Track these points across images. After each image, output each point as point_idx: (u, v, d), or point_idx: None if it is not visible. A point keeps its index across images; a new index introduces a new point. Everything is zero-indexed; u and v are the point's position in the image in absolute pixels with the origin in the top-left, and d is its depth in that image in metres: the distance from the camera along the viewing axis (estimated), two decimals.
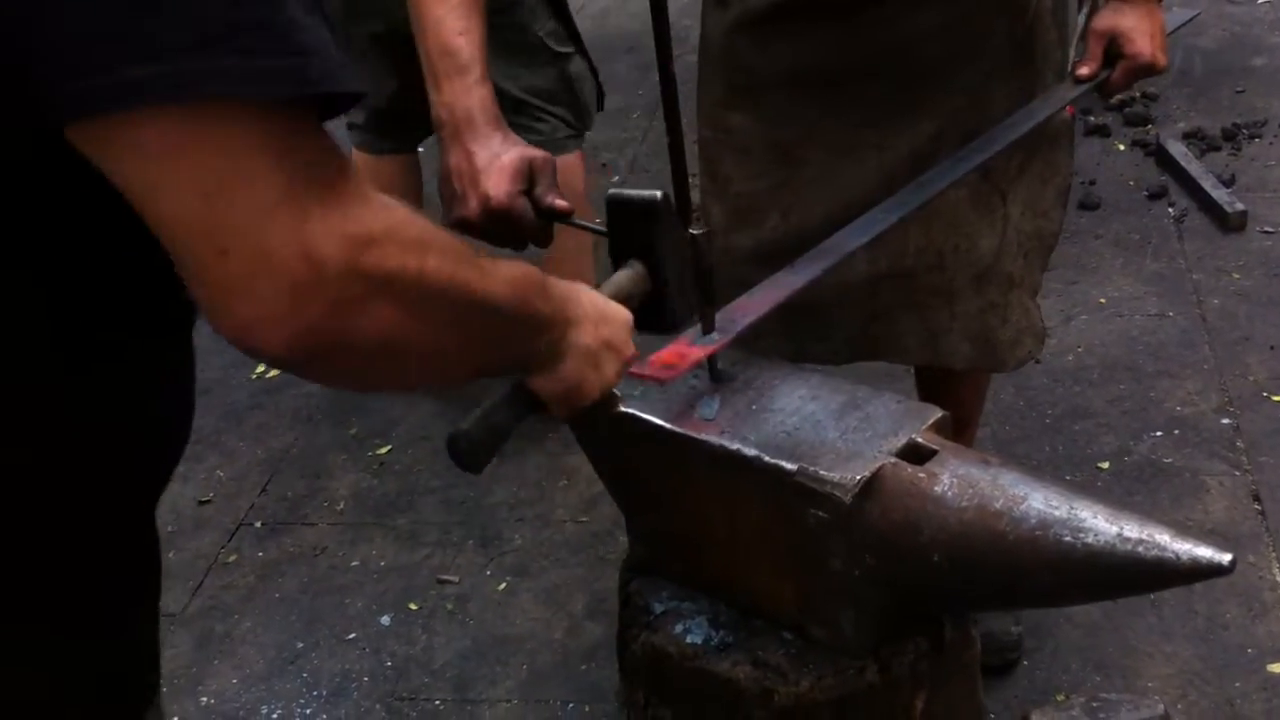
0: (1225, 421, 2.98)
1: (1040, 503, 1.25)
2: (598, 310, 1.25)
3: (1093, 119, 4.29)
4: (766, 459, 1.35)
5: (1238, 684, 2.35)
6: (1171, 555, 1.18)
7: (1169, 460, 2.89)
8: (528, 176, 1.53)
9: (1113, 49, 2.04)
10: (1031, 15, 1.99)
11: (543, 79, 3.06)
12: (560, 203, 1.52)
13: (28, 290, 0.90)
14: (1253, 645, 2.42)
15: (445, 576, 2.86)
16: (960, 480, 1.29)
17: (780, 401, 1.43)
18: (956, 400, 2.25)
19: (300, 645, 2.71)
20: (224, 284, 0.82)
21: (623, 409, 1.44)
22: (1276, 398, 3.03)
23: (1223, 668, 2.38)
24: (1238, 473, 2.82)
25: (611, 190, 1.40)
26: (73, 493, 1.00)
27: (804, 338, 2.00)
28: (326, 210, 0.83)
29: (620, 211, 1.40)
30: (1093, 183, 3.96)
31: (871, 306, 2.00)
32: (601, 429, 1.50)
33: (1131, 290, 3.46)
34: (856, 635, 1.36)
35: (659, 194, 1.37)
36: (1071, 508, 1.23)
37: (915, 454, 1.34)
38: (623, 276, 1.38)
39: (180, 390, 1.10)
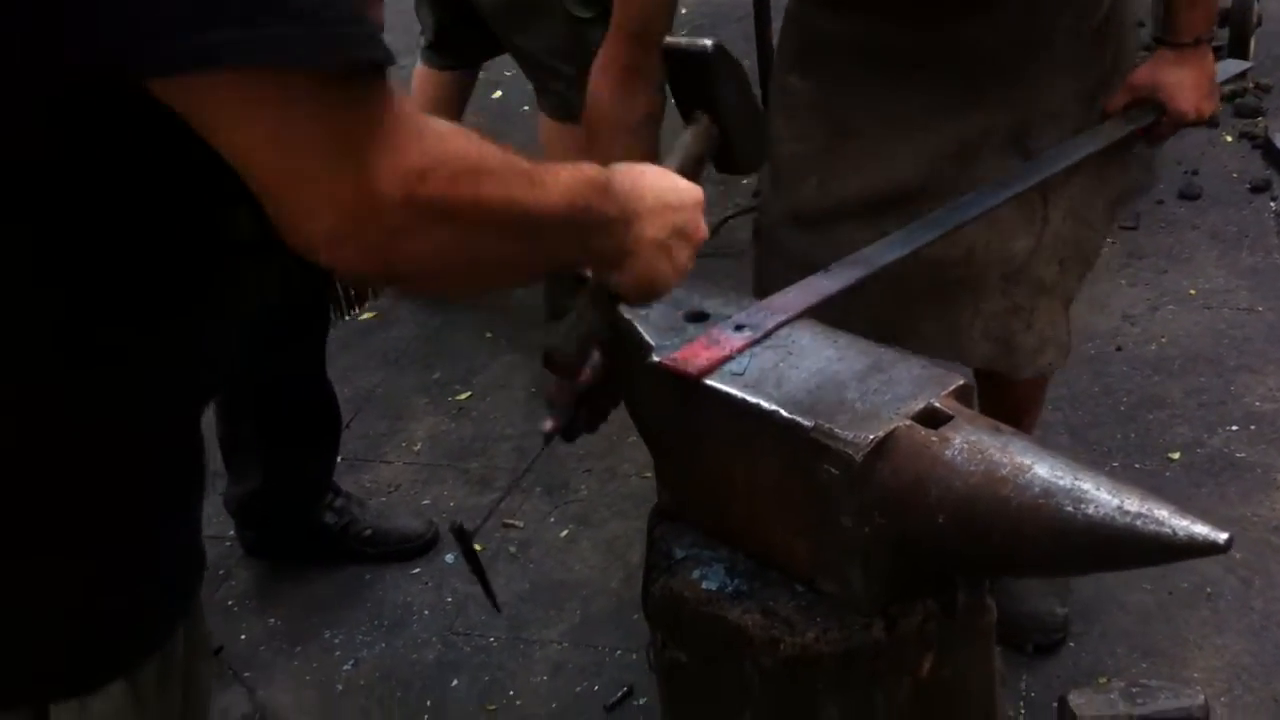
0: None
1: (1045, 471, 1.27)
2: (663, 198, 1.27)
3: None
4: (785, 414, 1.38)
5: None
6: (1169, 530, 1.20)
7: (1241, 455, 2.86)
8: None
9: (1155, 101, 1.99)
10: (1102, 16, 1.97)
11: (559, 39, 3.09)
12: None
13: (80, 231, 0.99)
14: None
15: (510, 521, 2.94)
16: (970, 445, 1.31)
17: (808, 361, 1.46)
18: (1009, 397, 2.23)
19: (368, 576, 2.81)
20: (296, 214, 0.93)
21: (654, 358, 1.49)
22: None
23: (1274, 665, 2.36)
24: None
25: (667, 40, 1.42)
26: (115, 404, 1.06)
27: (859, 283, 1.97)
28: (380, 151, 0.92)
29: (677, 64, 1.42)
30: (1195, 173, 3.90)
31: (897, 290, 1.95)
32: (636, 378, 1.55)
33: (1224, 283, 3.40)
34: (866, 592, 1.40)
35: (710, 43, 1.38)
36: (1075, 478, 1.25)
37: (931, 418, 1.36)
38: (689, 136, 1.41)
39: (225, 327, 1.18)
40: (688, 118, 1.44)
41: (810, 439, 1.35)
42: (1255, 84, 4.26)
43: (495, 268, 1.11)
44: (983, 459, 1.29)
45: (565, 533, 2.89)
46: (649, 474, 3.06)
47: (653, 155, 1.91)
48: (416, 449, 3.22)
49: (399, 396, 3.40)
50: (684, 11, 5.42)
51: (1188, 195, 3.78)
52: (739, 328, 1.51)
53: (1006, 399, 2.26)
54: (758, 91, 1.84)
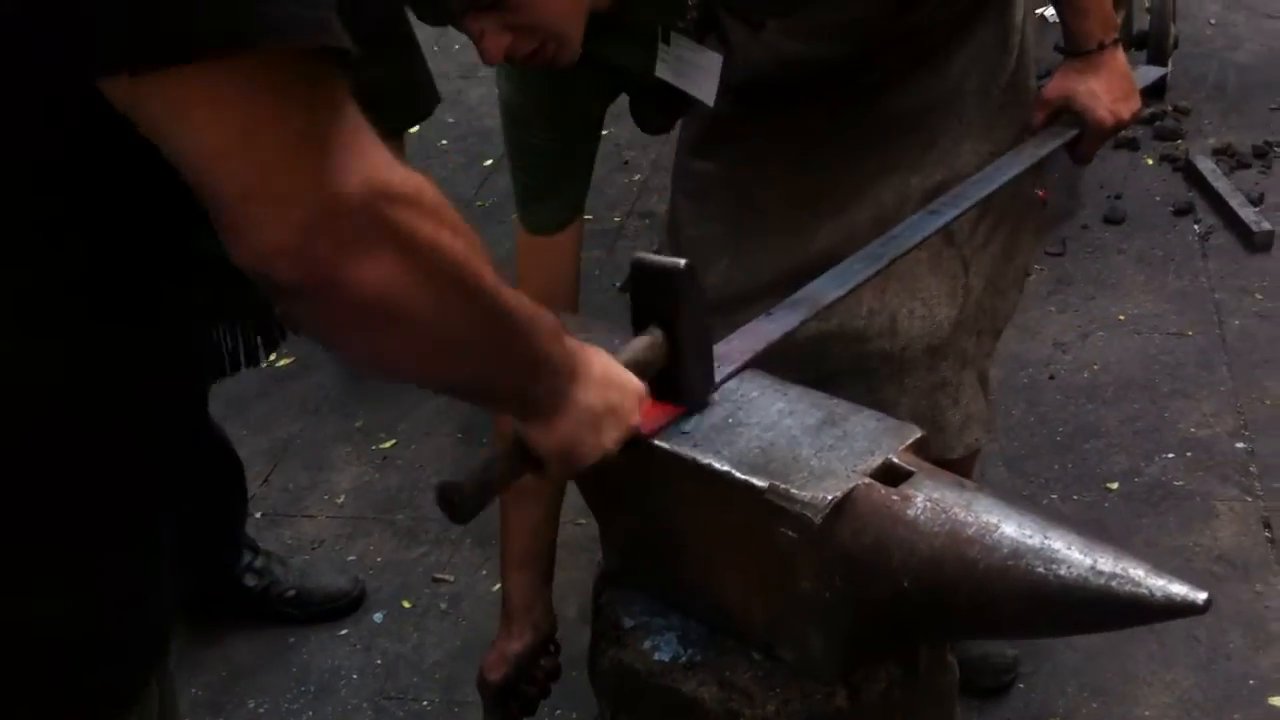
0: (1239, 445, 2.92)
1: (1013, 531, 1.21)
2: (608, 373, 1.24)
3: (1123, 132, 4.22)
4: (738, 475, 1.31)
5: (1237, 716, 2.30)
6: (1146, 591, 1.14)
7: (1179, 483, 2.84)
8: None
9: (1071, 114, 1.94)
10: (1008, 78, 1.93)
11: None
12: None
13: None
14: (1255, 677, 2.37)
15: (440, 575, 2.84)
16: (934, 504, 1.25)
17: (757, 415, 1.39)
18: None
19: (293, 639, 2.69)
20: (245, 219, 0.87)
21: None
22: None
23: (1223, 699, 2.33)
24: (1249, 499, 2.77)
25: (637, 254, 1.39)
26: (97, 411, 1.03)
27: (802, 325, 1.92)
28: (349, 153, 0.89)
29: (644, 277, 1.38)
30: (1118, 197, 3.90)
31: (818, 366, 1.85)
32: None
33: (1152, 308, 3.40)
34: (826, 658, 1.33)
35: (684, 263, 1.36)
36: (1045, 538, 1.19)
37: (890, 475, 1.30)
38: (641, 343, 1.36)
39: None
40: (641, 330, 1.39)
41: (765, 500, 1.28)
42: (1174, 107, 4.29)
43: (435, 336, 1.01)
44: (947, 518, 1.23)
45: (498, 586, 2.78)
46: (583, 520, 2.98)
47: None
48: (340, 501, 3.11)
49: (320, 446, 3.29)
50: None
51: (1112, 220, 3.78)
52: None
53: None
54: None
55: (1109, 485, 2.85)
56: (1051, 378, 3.19)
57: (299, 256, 0.88)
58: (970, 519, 1.23)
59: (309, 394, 3.46)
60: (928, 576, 1.23)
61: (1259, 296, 3.41)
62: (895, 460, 1.31)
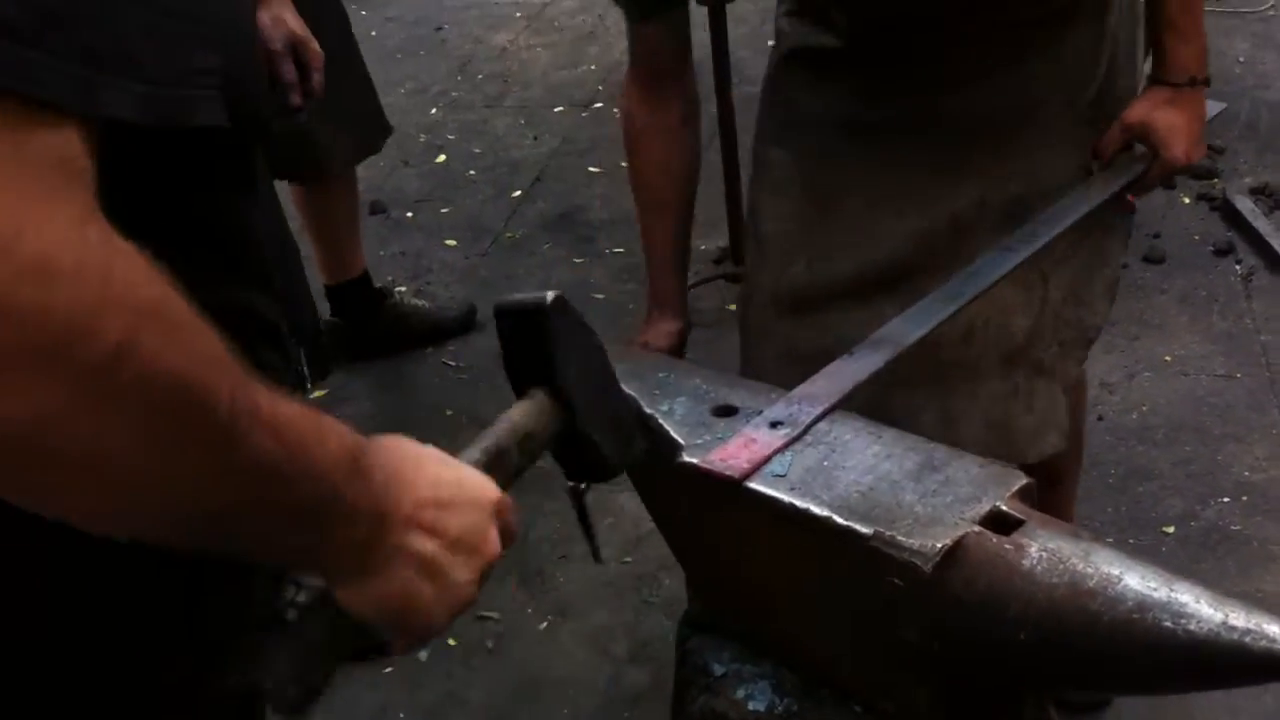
0: None
1: (1137, 583, 1.17)
2: (439, 494, 0.93)
3: None
4: (839, 520, 1.27)
5: None
6: None
7: (1236, 527, 2.79)
8: None
9: (1146, 144, 1.90)
10: (1096, 90, 1.90)
11: None
12: None
13: None
14: None
15: (485, 613, 2.79)
16: (1050, 554, 1.21)
17: (854, 459, 1.36)
18: (1049, 461, 2.15)
19: (336, 677, 2.64)
20: None
21: (686, 459, 1.37)
22: None
23: None
24: None
25: (498, 300, 1.10)
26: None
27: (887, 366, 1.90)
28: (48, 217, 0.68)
29: (509, 324, 1.09)
30: (1157, 236, 3.87)
31: (891, 371, 1.78)
32: (662, 479, 1.43)
33: (1198, 349, 3.36)
34: (931, 712, 1.29)
35: (550, 295, 1.07)
36: (1171, 590, 1.15)
37: (1000, 523, 1.26)
38: (517, 414, 1.06)
39: None
40: (520, 393, 1.11)
41: (870, 548, 1.24)
42: (1209, 146, 4.26)
43: (140, 491, 0.74)
44: (1065, 569, 1.19)
45: (544, 625, 2.75)
46: (628, 559, 2.94)
47: (695, 160, 1.98)
48: None
49: None
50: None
51: (1152, 259, 3.75)
52: (774, 424, 1.40)
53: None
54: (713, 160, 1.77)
55: (1165, 529, 2.80)
56: (1100, 418, 3.15)
57: None
58: (1090, 570, 1.18)
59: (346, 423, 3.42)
60: (1046, 629, 1.19)
61: None
62: (1004, 507, 1.27)
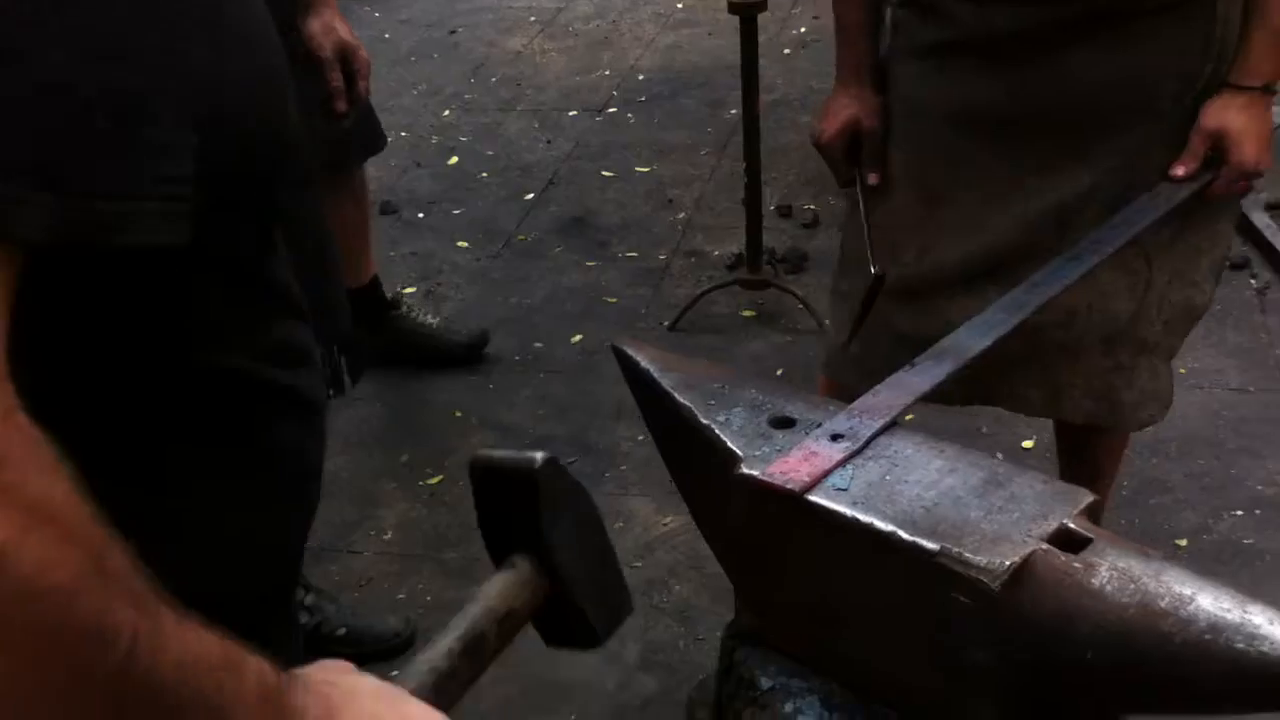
0: None
1: (1210, 604, 1.15)
2: None
3: None
4: (905, 536, 1.25)
5: None
6: None
7: (1249, 541, 2.79)
8: None
9: (1217, 149, 1.91)
10: (1204, 84, 1.89)
11: None
12: None
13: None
14: None
15: None
16: (1120, 573, 1.19)
17: (916, 473, 1.34)
18: (1094, 455, 2.21)
19: None
20: None
21: (746, 471, 1.35)
22: None
23: None
24: None
25: (478, 452, 1.00)
26: None
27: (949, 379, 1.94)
28: None
29: (490, 486, 0.99)
30: None
31: (994, 352, 1.90)
32: (716, 490, 1.41)
33: (1213, 362, 3.36)
34: None
35: (539, 457, 0.97)
36: (1245, 612, 1.14)
37: (1068, 541, 1.24)
38: (497, 591, 0.97)
39: None
40: (500, 563, 1.01)
41: (936, 564, 1.23)
42: None
43: None
44: (1136, 589, 1.18)
45: None
46: (638, 564, 2.93)
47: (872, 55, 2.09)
48: (387, 537, 3.04)
49: (366, 481, 3.23)
50: (641, 78, 5.35)
51: None
52: (835, 437, 1.38)
53: (1089, 456, 2.29)
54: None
55: (1178, 542, 2.80)
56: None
57: None
58: (1162, 590, 1.17)
59: (353, 427, 3.40)
60: (1116, 649, 1.17)
61: None
62: (1071, 525, 1.26)
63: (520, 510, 0.97)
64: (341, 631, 2.68)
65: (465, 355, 3.59)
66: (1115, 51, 1.84)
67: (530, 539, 0.97)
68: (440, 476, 3.22)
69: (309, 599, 2.68)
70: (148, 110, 0.74)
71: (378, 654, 2.68)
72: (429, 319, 3.61)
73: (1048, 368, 2.02)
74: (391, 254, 4.10)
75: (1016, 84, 1.88)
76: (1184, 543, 2.81)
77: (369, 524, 3.08)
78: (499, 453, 0.98)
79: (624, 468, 3.17)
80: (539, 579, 0.99)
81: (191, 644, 0.70)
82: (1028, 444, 3.07)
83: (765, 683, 1.41)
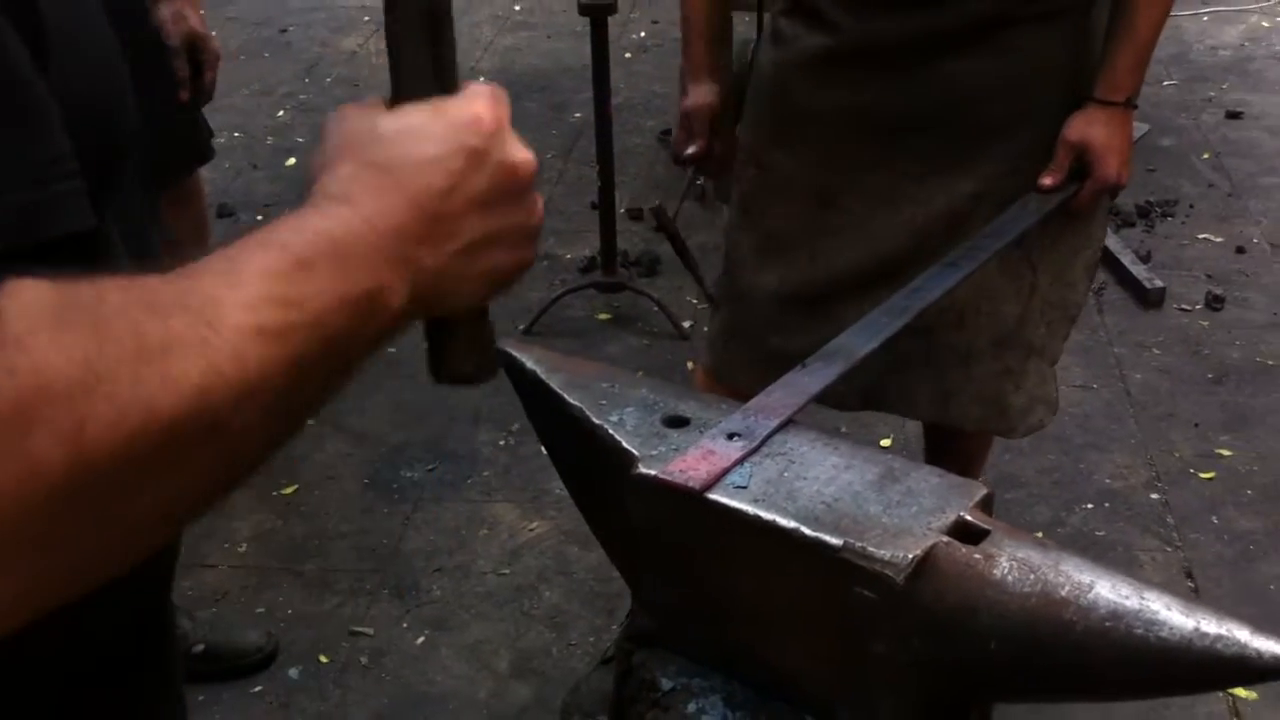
0: (1154, 496, 2.98)
1: (1109, 592, 1.18)
2: (424, 172, 0.76)
3: None
4: (807, 532, 1.25)
5: None
6: (1253, 653, 1.12)
7: (1101, 533, 2.89)
8: None
9: (1080, 162, 1.96)
10: (1081, 89, 1.94)
11: None
12: None
13: None
14: None
15: (359, 628, 2.71)
16: (1020, 564, 1.21)
17: (814, 470, 1.34)
18: (962, 454, 2.25)
19: (201, 698, 2.53)
20: None
21: (643, 470, 1.34)
22: (1204, 475, 3.05)
23: None
24: (1169, 549, 2.83)
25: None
26: None
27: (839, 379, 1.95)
28: None
29: None
30: None
31: (888, 358, 1.95)
32: (611, 491, 1.39)
33: None
34: None
35: None
36: (1143, 599, 1.17)
37: (966, 533, 1.26)
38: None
39: None
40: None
41: (840, 559, 1.23)
42: None
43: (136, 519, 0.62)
44: (1036, 579, 1.20)
45: (421, 639, 2.68)
46: (506, 570, 2.89)
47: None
48: (242, 550, 2.95)
49: None
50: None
51: None
52: (731, 435, 1.38)
53: (958, 450, 2.32)
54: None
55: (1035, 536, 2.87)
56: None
57: None
58: (1061, 579, 1.19)
59: None
60: (1018, 639, 1.19)
61: (1156, 351, 3.52)
62: (969, 518, 1.27)
63: None
64: (199, 649, 2.58)
65: None
66: (994, 60, 1.88)
67: None
68: (295, 486, 3.13)
69: None
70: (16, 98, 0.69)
71: (239, 670, 2.60)
72: None
73: (941, 372, 2.05)
74: None
75: (900, 92, 1.91)
76: (1040, 536, 2.86)
77: (222, 536, 2.98)
78: None
79: (486, 473, 3.13)
80: None
81: (265, 316, 0.64)
82: (885, 442, 3.12)
83: (667, 684, 1.40)
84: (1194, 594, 2.70)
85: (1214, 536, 2.86)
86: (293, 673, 2.60)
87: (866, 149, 1.96)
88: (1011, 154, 1.94)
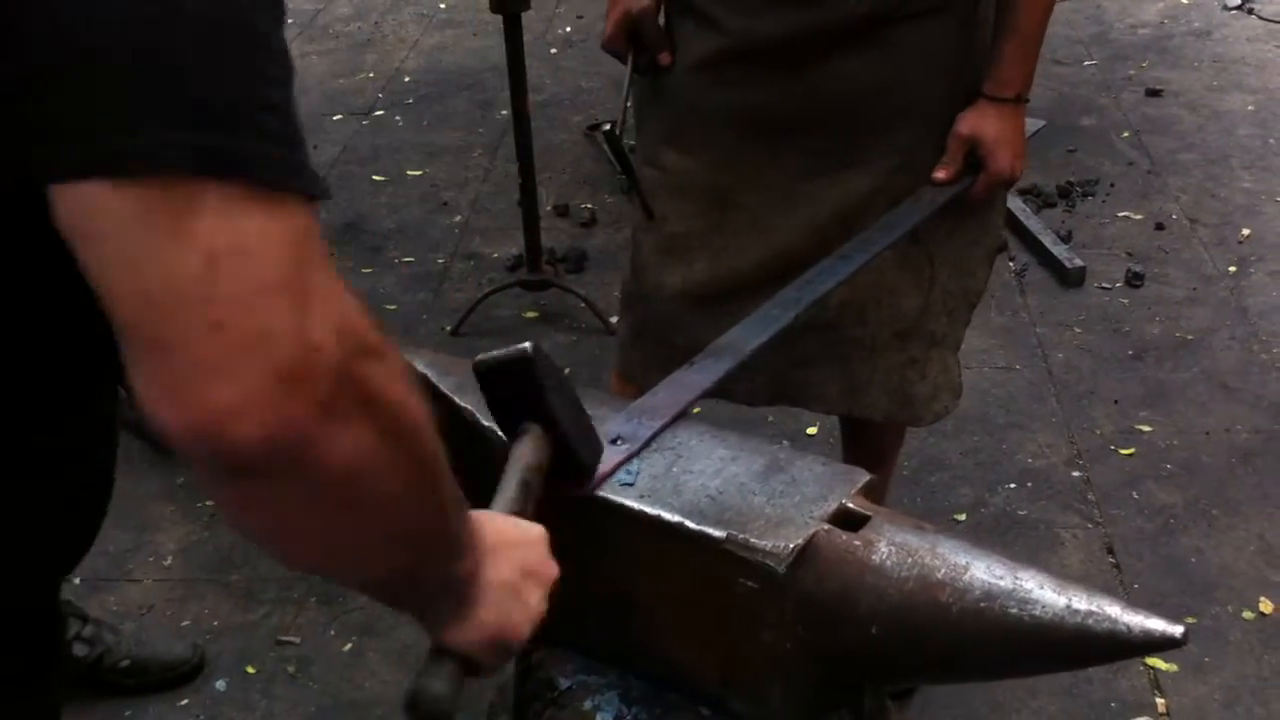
0: (1075, 474, 3.02)
1: (984, 573, 1.20)
2: (503, 535, 1.08)
3: None
4: (691, 525, 1.26)
5: None
6: (1124, 628, 1.14)
7: (1023, 512, 2.91)
8: None
9: (974, 155, 1.98)
10: (969, 82, 1.95)
11: None
12: None
13: None
14: (1115, 699, 2.44)
15: (285, 637, 2.70)
16: (898, 548, 1.23)
17: (700, 463, 1.35)
18: (877, 439, 2.27)
19: (128, 712, 2.51)
20: (207, 361, 0.72)
21: None
22: (1124, 451, 3.08)
23: None
24: (1090, 525, 2.86)
25: (478, 358, 1.22)
26: None
27: (728, 376, 1.95)
28: (327, 302, 0.77)
29: (495, 375, 1.23)
30: None
31: (794, 354, 1.98)
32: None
33: (979, 343, 3.49)
34: (784, 709, 1.29)
35: (530, 346, 1.20)
36: (1016, 579, 1.19)
37: (848, 519, 1.27)
38: (524, 453, 1.21)
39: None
40: (514, 435, 1.24)
41: (723, 550, 1.24)
42: None
43: (389, 524, 0.87)
44: (914, 562, 1.21)
45: (349, 646, 2.67)
46: None
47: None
48: (167, 563, 2.92)
49: (141, 504, 3.09)
50: (407, 80, 5.28)
51: None
52: (615, 440, 1.38)
53: (871, 440, 2.34)
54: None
55: (957, 516, 2.90)
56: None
57: (268, 414, 0.73)
58: (938, 562, 1.21)
59: (125, 447, 3.25)
60: (898, 622, 1.20)
61: (1078, 330, 3.55)
62: (850, 505, 1.29)
63: (524, 389, 1.22)
64: (125, 663, 2.56)
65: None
66: (882, 56, 1.88)
67: (536, 410, 1.22)
68: None
69: (87, 630, 2.55)
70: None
71: (165, 683, 2.58)
72: None
73: (847, 366, 2.07)
74: None
75: (791, 90, 1.91)
76: (963, 517, 2.91)
77: (147, 550, 2.95)
78: (495, 352, 1.22)
79: None
80: (547, 437, 1.23)
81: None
82: (811, 430, 3.14)
83: (564, 683, 1.41)
84: (1115, 570, 2.73)
85: (1135, 511, 2.90)
86: (220, 684, 2.58)
87: (761, 147, 1.95)
88: (902, 149, 1.95)
